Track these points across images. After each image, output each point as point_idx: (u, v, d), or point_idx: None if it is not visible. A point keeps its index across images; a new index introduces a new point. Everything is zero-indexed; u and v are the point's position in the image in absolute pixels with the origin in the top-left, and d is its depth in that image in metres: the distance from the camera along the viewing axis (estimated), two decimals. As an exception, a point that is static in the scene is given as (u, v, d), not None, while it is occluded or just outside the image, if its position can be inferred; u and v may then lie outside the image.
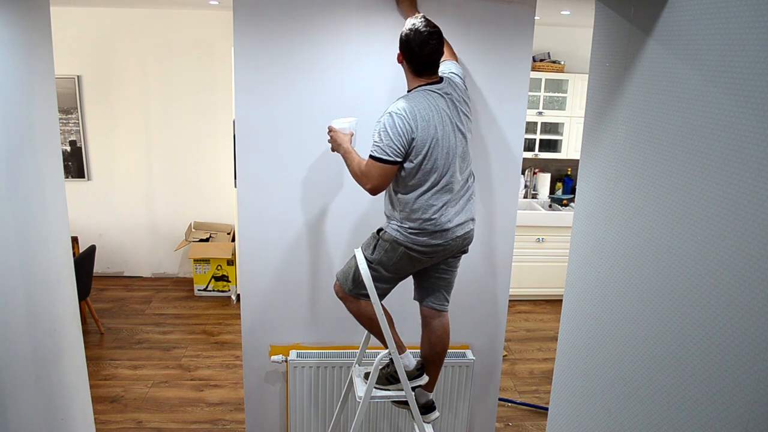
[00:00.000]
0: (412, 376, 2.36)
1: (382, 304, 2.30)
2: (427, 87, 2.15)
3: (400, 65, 2.22)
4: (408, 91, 2.21)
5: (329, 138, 2.31)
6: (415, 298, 2.44)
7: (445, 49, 2.40)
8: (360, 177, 2.16)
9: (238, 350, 4.26)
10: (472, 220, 2.30)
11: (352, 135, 2.30)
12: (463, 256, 2.38)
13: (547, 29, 5.18)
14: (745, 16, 1.20)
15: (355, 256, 2.30)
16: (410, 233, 2.17)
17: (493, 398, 3.08)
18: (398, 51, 2.18)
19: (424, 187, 2.14)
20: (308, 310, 2.85)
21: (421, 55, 2.11)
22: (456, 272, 2.38)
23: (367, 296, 2.25)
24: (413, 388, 2.39)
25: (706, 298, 1.32)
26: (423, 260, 2.24)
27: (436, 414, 2.46)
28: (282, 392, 2.94)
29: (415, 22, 2.12)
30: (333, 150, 2.32)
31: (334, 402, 2.86)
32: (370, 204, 2.69)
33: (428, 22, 2.12)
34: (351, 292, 2.30)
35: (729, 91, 1.24)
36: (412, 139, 2.08)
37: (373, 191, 2.15)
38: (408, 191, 2.15)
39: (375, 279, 2.24)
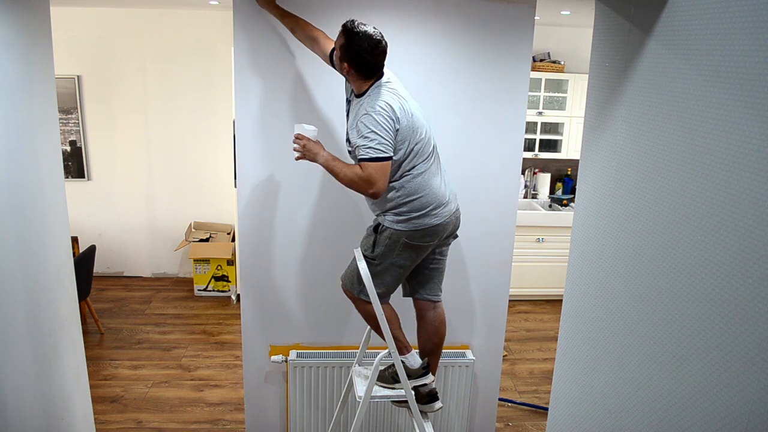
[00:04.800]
0: (417, 374, 2.36)
1: (389, 304, 2.31)
2: (380, 82, 2.15)
3: (345, 75, 2.18)
4: (360, 94, 2.17)
5: (299, 146, 2.18)
6: (405, 295, 2.44)
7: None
8: (359, 184, 2.08)
9: (238, 350, 4.26)
10: (456, 195, 2.32)
11: (319, 142, 2.22)
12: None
13: (547, 29, 5.18)
14: (745, 16, 1.20)
15: (355, 257, 2.30)
16: (412, 218, 2.18)
17: (493, 398, 3.08)
18: (342, 62, 2.12)
19: (417, 168, 2.16)
20: (308, 310, 2.85)
21: (374, 61, 2.10)
22: (446, 261, 2.41)
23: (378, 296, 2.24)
24: (418, 387, 2.39)
25: (706, 297, 1.32)
26: (423, 247, 2.24)
27: (438, 404, 2.44)
28: (282, 392, 2.94)
29: (358, 29, 2.08)
30: (300, 159, 2.21)
31: (334, 402, 2.86)
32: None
33: (371, 26, 2.11)
34: (360, 294, 2.31)
35: (729, 91, 1.24)
36: (397, 130, 2.10)
37: (378, 193, 2.09)
38: (401, 176, 2.16)
39: (380, 275, 2.24)
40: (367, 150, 2.05)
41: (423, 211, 2.17)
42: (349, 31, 2.08)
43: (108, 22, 5.06)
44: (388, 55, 2.18)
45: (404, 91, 2.20)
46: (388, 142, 2.07)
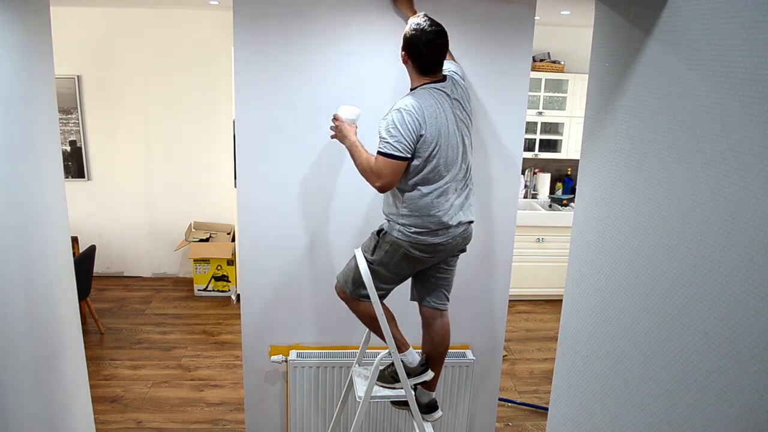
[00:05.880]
0: (416, 372, 2.36)
1: (383, 303, 2.31)
2: (433, 85, 2.15)
3: (403, 65, 2.21)
4: (412, 89, 2.20)
5: (333, 126, 2.27)
6: (413, 299, 2.44)
7: None
8: (369, 174, 2.12)
9: (238, 350, 4.26)
10: (471, 222, 2.29)
11: (356, 127, 2.28)
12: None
13: (547, 29, 5.18)
14: (745, 16, 1.20)
15: (354, 257, 2.30)
16: (413, 232, 2.17)
17: (493, 398, 3.08)
18: (402, 51, 2.17)
19: (430, 185, 2.14)
20: (308, 310, 2.85)
21: (428, 55, 2.12)
22: (455, 270, 2.39)
23: (368, 297, 2.25)
24: (417, 385, 2.39)
25: (706, 297, 1.32)
26: (424, 260, 2.24)
27: (439, 413, 2.46)
28: (282, 392, 2.94)
29: (419, 21, 2.11)
30: (334, 138, 2.30)
31: (334, 402, 2.86)
32: (370, 203, 2.69)
33: (433, 21, 2.12)
34: (352, 293, 2.30)
35: (729, 91, 1.24)
36: (420, 135, 2.08)
37: (383, 189, 2.12)
38: (413, 188, 2.15)
39: (375, 280, 2.24)
40: (384, 145, 2.08)
41: (426, 229, 2.17)
42: (412, 22, 2.13)
43: (108, 22, 5.06)
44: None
45: (454, 106, 2.17)
46: (406, 143, 2.06)
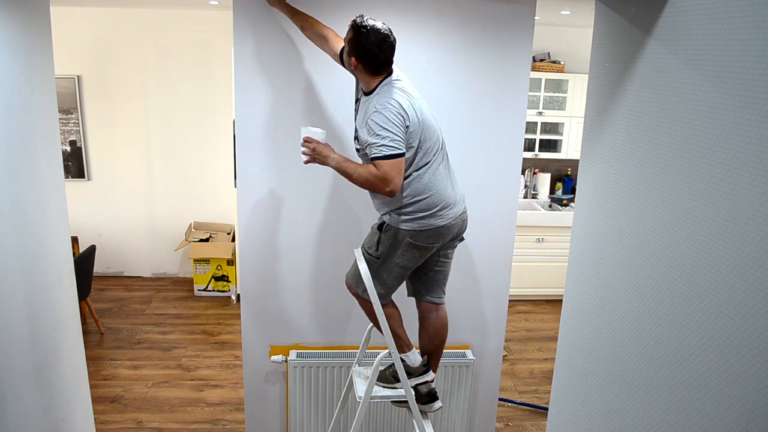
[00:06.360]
0: (418, 372, 2.36)
1: (392, 301, 2.32)
2: (388, 80, 2.14)
3: (352, 70, 2.16)
4: (369, 92, 2.17)
5: (309, 149, 2.15)
6: (410, 295, 2.44)
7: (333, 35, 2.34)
8: (375, 182, 2.05)
9: (238, 350, 4.26)
10: (463, 197, 2.30)
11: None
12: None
13: (547, 29, 5.18)
14: (745, 16, 1.20)
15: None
16: (419, 218, 2.16)
17: (493, 398, 3.08)
18: (350, 57, 2.12)
19: (423, 167, 2.15)
20: (308, 310, 2.85)
21: (381, 55, 2.09)
22: (451, 263, 2.40)
23: (378, 296, 2.24)
24: (418, 386, 2.39)
25: (706, 298, 1.32)
26: (427, 248, 2.24)
27: (438, 404, 2.45)
28: (282, 392, 2.94)
29: (365, 22, 2.07)
30: (310, 162, 2.17)
31: (334, 402, 2.86)
32: (370, 202, 2.69)
33: (376, 20, 2.10)
34: (364, 293, 2.31)
35: (729, 91, 1.24)
36: (407, 127, 2.08)
37: (394, 192, 2.05)
38: (409, 175, 2.15)
39: (382, 274, 2.24)
40: (380, 148, 2.03)
41: (429, 212, 2.16)
42: (357, 26, 2.08)
43: (108, 22, 5.06)
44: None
45: (414, 90, 2.19)
46: (400, 139, 2.05)
